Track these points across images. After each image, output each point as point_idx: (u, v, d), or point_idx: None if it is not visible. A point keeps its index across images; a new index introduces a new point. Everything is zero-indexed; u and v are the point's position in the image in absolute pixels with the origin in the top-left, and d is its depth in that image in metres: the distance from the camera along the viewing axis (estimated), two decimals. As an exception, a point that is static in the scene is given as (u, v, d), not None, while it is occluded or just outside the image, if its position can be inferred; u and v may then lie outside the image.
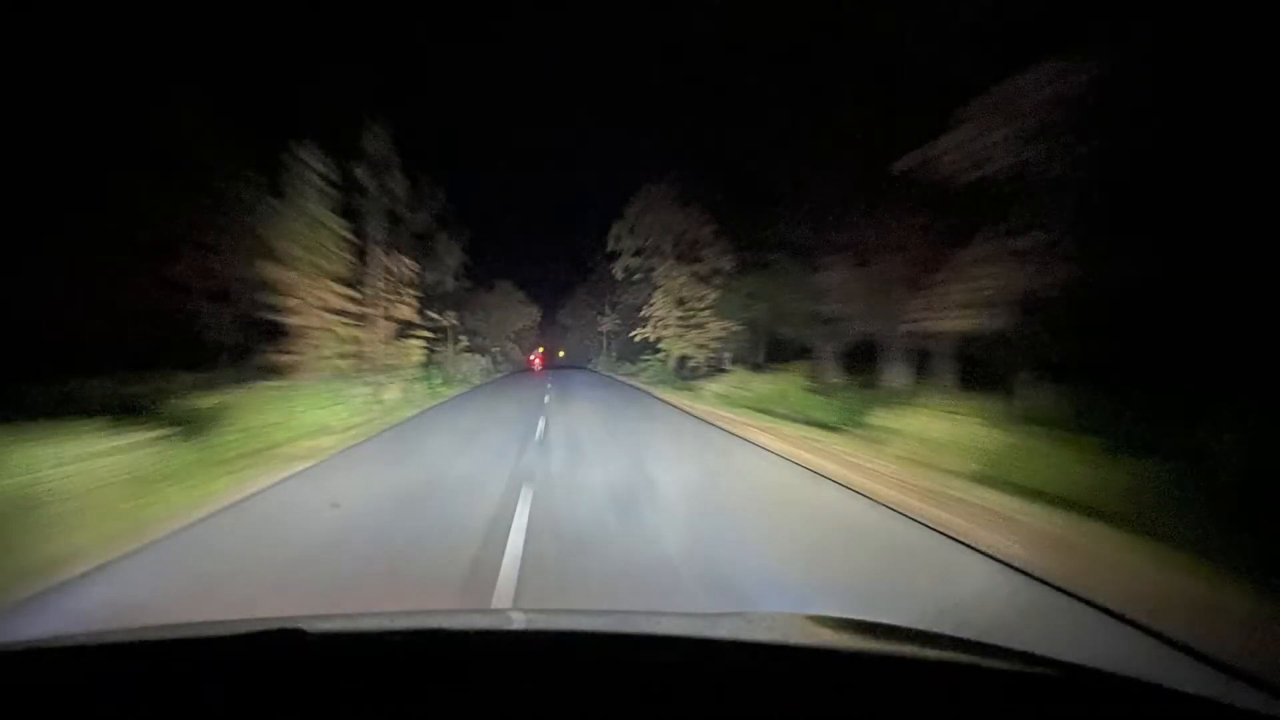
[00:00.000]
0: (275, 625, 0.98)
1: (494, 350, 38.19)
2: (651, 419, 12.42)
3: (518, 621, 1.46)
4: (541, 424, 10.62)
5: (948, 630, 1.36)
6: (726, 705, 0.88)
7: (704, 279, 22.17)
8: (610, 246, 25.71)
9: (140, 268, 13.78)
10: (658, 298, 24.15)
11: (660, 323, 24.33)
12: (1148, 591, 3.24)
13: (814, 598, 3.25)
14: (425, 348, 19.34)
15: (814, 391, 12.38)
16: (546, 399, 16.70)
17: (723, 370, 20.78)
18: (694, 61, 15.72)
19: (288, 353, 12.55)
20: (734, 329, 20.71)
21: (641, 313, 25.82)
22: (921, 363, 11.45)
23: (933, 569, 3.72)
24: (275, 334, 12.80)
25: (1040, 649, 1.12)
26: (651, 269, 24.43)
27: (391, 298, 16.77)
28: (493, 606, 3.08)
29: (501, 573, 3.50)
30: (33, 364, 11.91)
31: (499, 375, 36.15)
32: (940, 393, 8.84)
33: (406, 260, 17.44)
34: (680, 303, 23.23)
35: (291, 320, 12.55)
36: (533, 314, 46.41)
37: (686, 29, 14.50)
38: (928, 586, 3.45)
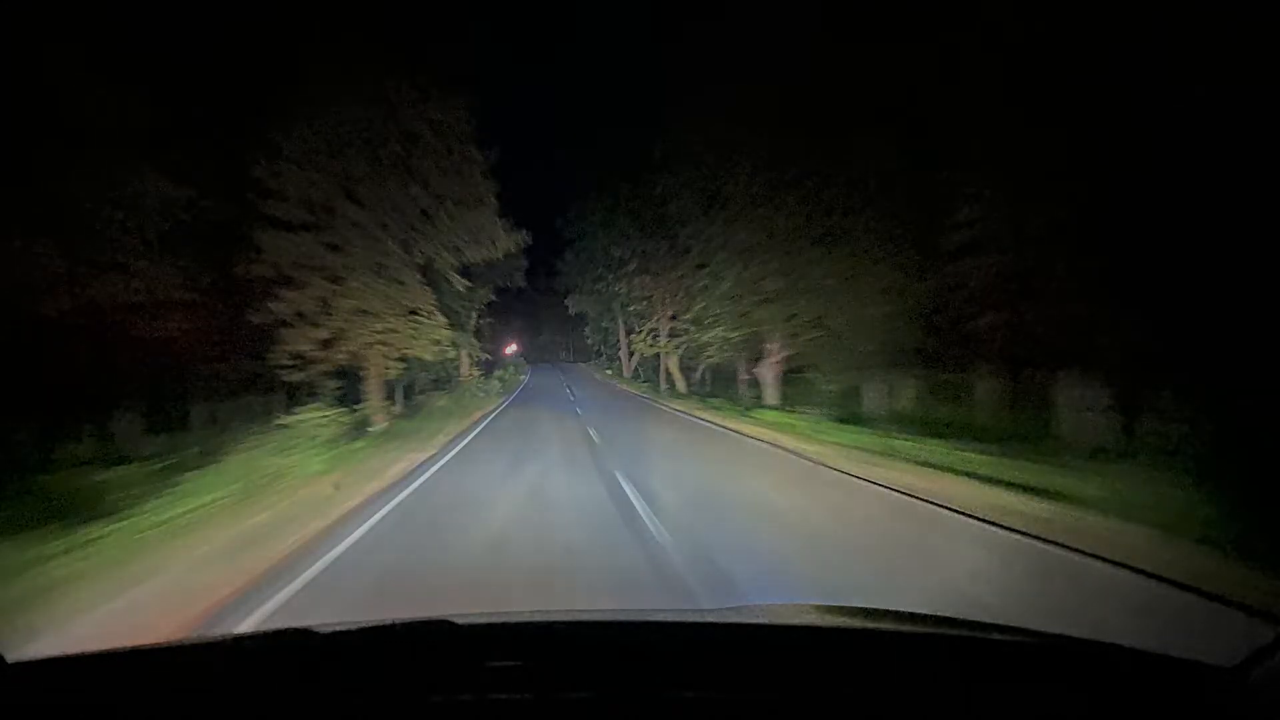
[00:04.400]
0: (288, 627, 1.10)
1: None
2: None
3: (535, 616, 1.44)
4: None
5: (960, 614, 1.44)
6: (732, 683, 0.95)
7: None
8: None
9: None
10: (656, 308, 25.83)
11: (652, 333, 26.60)
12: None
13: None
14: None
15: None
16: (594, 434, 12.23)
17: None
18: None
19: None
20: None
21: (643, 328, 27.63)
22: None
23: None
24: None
25: None
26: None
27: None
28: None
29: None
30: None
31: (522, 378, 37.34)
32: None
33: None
34: (671, 318, 24.51)
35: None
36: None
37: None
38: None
